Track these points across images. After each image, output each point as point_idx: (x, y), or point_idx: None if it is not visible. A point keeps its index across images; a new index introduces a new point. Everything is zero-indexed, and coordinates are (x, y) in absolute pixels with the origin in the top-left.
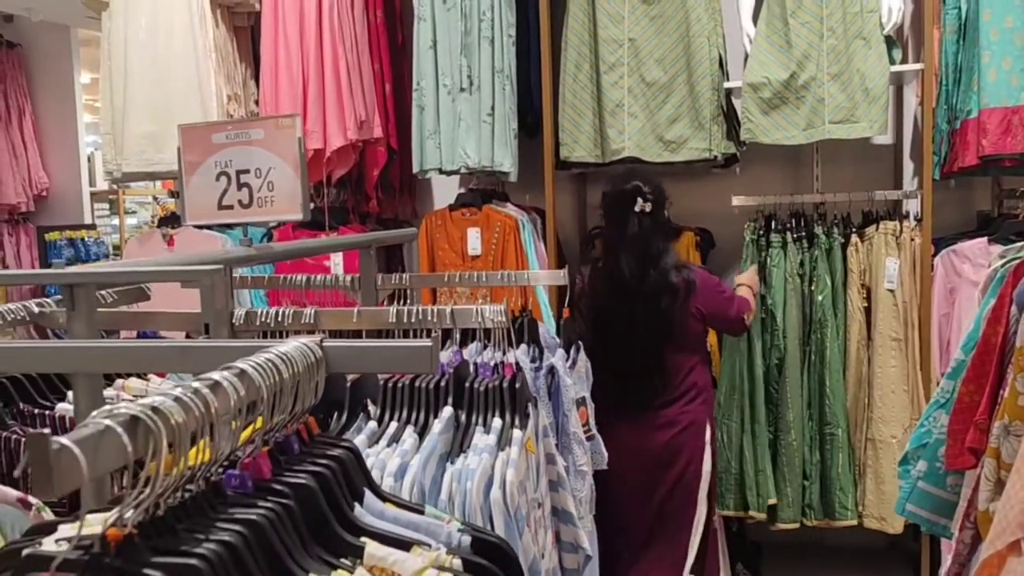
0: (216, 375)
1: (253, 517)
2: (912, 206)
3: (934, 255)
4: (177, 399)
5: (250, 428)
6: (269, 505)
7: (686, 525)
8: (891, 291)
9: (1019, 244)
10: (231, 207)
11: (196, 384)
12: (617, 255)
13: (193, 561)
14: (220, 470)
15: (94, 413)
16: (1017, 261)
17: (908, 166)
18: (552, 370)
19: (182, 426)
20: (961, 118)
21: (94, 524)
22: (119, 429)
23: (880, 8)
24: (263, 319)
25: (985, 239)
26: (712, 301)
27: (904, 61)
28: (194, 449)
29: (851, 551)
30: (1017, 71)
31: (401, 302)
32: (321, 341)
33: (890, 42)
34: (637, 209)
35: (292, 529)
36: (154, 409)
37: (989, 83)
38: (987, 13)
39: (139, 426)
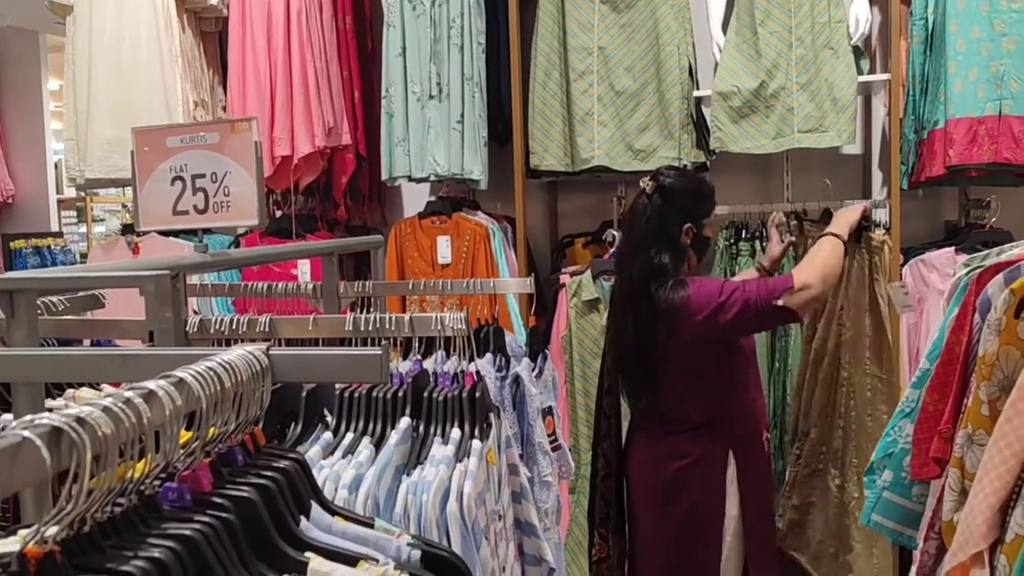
0: (151, 384)
1: (187, 532)
2: (881, 215)
3: (903, 265)
4: (106, 409)
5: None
6: (206, 519)
7: (712, 572)
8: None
9: (983, 252)
10: (186, 212)
11: (128, 393)
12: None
13: None
14: (156, 483)
15: (13, 424)
16: (980, 269)
17: (877, 176)
18: (517, 379)
19: (110, 438)
20: (928, 128)
21: (13, 542)
22: (38, 441)
23: (848, 19)
24: (217, 327)
25: (952, 249)
26: (707, 317)
27: (872, 71)
28: (142, 462)
29: None
30: (983, 82)
31: (366, 311)
32: (267, 349)
33: (858, 52)
34: (641, 185)
35: (230, 544)
36: (79, 420)
37: (955, 94)
38: (953, 24)
39: (62, 438)
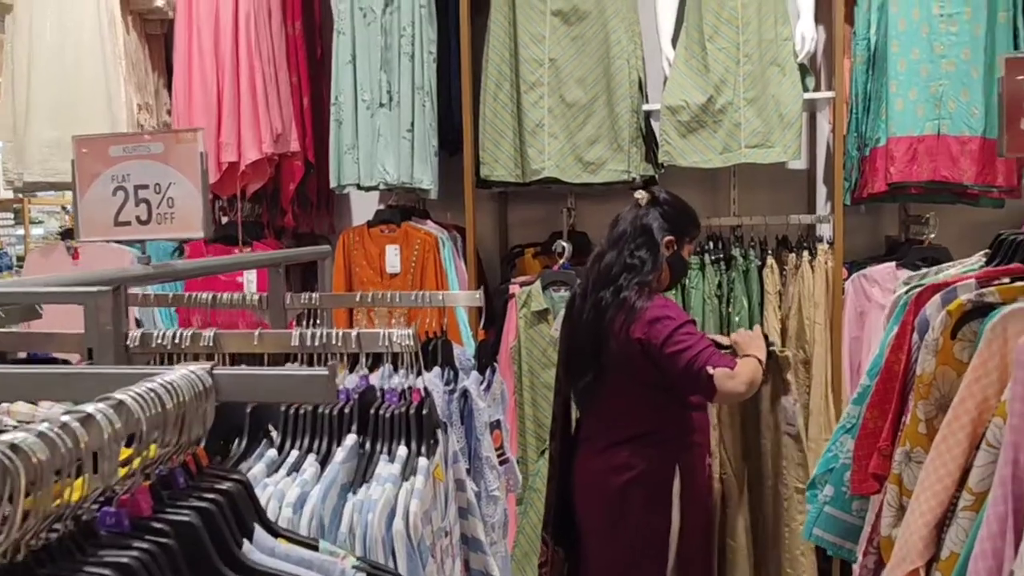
0: (90, 407)
1: (124, 560)
2: (825, 230)
3: (846, 279)
4: (41, 435)
5: (137, 461)
6: (144, 546)
7: None
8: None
9: (922, 271)
10: (128, 223)
11: (65, 417)
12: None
13: None
14: (94, 508)
15: None
16: (919, 289)
17: (821, 191)
18: (465, 393)
19: (45, 464)
20: (870, 146)
21: None
22: None
23: (794, 36)
24: (159, 341)
25: (893, 264)
26: (655, 336)
27: (817, 89)
28: (79, 481)
29: None
30: (922, 102)
31: (312, 322)
32: (211, 368)
33: (804, 70)
34: (636, 196)
35: (169, 570)
36: (12, 447)
37: (896, 112)
38: (895, 45)
39: None
